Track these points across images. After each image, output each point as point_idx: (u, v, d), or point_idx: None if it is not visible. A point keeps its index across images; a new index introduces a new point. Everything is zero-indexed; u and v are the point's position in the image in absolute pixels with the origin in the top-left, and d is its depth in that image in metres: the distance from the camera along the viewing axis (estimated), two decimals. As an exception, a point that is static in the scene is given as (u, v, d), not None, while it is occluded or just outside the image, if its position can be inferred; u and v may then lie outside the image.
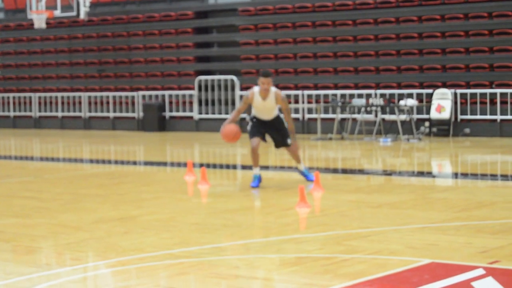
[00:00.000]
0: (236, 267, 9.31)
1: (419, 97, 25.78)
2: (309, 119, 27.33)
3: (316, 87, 27.75)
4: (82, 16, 29.70)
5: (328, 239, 10.73)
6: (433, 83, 26.01)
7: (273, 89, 14.70)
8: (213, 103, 29.58)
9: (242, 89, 28.85)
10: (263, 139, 15.19)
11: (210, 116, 29.54)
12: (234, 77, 29.06)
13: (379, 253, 9.68)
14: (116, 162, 21.65)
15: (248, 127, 15.17)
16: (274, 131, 15.14)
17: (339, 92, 26.87)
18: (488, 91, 25.17)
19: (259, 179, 15.19)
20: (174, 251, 10.13)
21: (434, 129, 25.31)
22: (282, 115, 15.20)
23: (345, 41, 27.97)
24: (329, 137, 25.50)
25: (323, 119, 26.23)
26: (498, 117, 25.01)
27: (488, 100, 25.17)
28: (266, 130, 15.11)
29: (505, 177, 17.40)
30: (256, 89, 14.75)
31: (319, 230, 11.40)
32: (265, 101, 14.60)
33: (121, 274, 9.17)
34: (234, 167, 20.11)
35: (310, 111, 27.32)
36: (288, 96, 28.09)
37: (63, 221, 12.49)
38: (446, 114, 25.25)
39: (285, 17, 28.97)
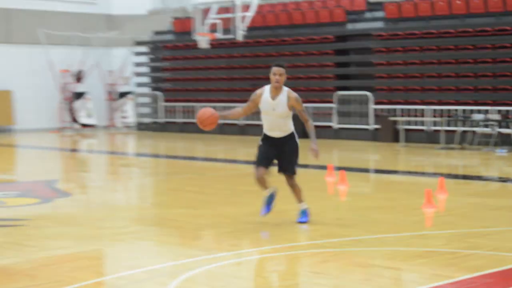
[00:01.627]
0: (371, 257, 9.39)
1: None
2: (434, 130, 27.06)
3: (440, 103, 27.49)
4: (239, 38, 30.02)
5: (452, 236, 10.71)
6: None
7: (285, 88, 10.91)
8: (350, 115, 29.58)
9: (375, 103, 28.81)
10: (269, 166, 11.14)
11: (347, 126, 29.53)
12: (368, 93, 28.99)
13: (498, 249, 9.62)
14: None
15: (256, 151, 11.31)
16: (284, 154, 11.03)
17: (460, 107, 26.59)
18: None
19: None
20: (318, 242, 10.27)
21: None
22: (297, 139, 11.24)
23: (466, 63, 27.64)
24: (451, 147, 25.27)
25: (446, 131, 25.98)
26: None
27: None
28: (275, 153, 11.03)
29: None
30: (266, 86, 10.90)
31: (444, 228, 11.37)
32: (275, 101, 10.61)
33: (273, 259, 9.36)
34: (367, 170, 20.07)
35: (434, 124, 27.07)
36: (415, 111, 27.98)
37: (224, 213, 12.74)
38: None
39: (413, 41, 28.71)
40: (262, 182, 11.01)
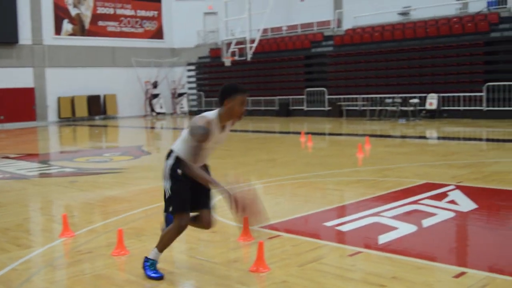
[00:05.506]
0: (326, 183, 9.38)
1: (421, 98, 25.20)
2: (363, 109, 26.95)
3: (366, 93, 27.37)
4: (248, 59, 29.96)
5: (373, 170, 10.62)
6: (427, 91, 25.37)
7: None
8: (314, 102, 29.60)
9: (328, 94, 28.71)
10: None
11: (312, 108, 29.49)
12: (324, 89, 28.94)
13: (400, 177, 9.59)
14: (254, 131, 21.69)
15: (171, 186, 4.76)
16: (203, 188, 4.72)
17: (378, 95, 26.49)
18: (455, 94, 24.46)
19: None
20: (295, 176, 10.27)
21: (428, 114, 24.73)
22: None
23: (381, 70, 27.49)
24: (373, 119, 25.28)
25: (370, 110, 25.96)
26: (461, 108, 24.32)
27: (458, 99, 24.50)
28: (195, 189, 4.74)
29: (457, 139, 16.93)
30: (211, 115, 4.54)
31: (368, 165, 11.26)
32: (222, 133, 4.64)
33: (269, 188, 9.36)
34: (324, 134, 19.95)
35: (363, 105, 27.00)
36: (352, 99, 27.83)
37: (242, 160, 12.68)
38: (434, 107, 24.66)
39: (351, 58, 28.59)
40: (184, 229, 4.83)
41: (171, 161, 4.80)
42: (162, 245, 4.93)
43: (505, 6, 26.73)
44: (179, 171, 4.71)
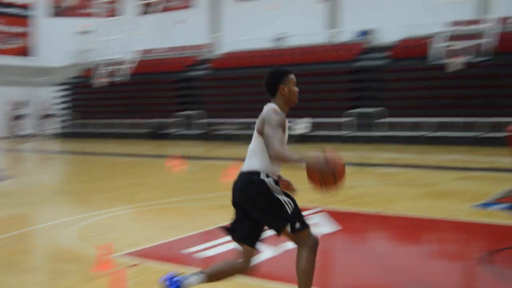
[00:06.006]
0: (195, 208, 9.30)
1: (292, 123, 25.90)
2: (231, 134, 27.26)
3: (236, 117, 27.79)
4: (122, 80, 29.60)
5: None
6: (298, 116, 26.18)
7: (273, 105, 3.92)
8: (190, 125, 29.53)
9: (206, 118, 28.76)
10: None
11: (184, 132, 29.40)
12: (202, 111, 29.03)
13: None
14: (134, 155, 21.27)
15: (280, 199, 3.94)
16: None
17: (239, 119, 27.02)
18: (325, 120, 25.42)
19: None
20: (161, 201, 10.10)
21: (299, 139, 25.40)
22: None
23: (248, 93, 28.05)
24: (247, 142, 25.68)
25: (244, 134, 26.32)
26: (330, 132, 25.29)
27: (326, 124, 25.43)
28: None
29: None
30: (273, 105, 3.92)
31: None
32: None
33: (135, 214, 9.12)
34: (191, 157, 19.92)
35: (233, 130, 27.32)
36: (223, 123, 28.07)
37: (108, 185, 12.34)
38: (304, 131, 25.41)
39: (227, 83, 28.91)
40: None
41: (268, 180, 3.98)
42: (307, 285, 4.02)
43: (370, 36, 28.36)
44: (277, 187, 4.00)
